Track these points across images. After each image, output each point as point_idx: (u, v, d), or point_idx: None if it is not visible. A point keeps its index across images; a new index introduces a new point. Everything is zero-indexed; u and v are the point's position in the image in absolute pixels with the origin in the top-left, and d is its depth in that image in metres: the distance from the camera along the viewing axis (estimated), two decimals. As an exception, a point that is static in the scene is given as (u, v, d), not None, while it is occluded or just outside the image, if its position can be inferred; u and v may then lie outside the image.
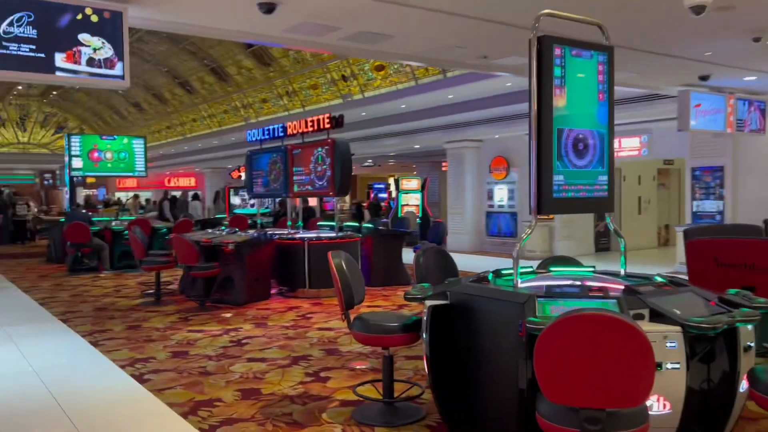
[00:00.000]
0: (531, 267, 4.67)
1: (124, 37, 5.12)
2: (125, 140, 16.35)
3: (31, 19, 4.73)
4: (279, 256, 10.32)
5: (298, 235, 10.55)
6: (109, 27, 5.07)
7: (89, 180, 38.51)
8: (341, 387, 5.30)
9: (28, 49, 4.74)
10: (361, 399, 4.85)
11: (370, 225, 12.15)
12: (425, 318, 4.05)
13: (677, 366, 3.24)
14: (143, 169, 16.58)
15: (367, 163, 30.71)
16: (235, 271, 9.53)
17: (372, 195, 28.99)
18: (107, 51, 5.06)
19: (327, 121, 10.39)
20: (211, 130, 26.07)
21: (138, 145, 16.44)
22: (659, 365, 3.18)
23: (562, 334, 2.71)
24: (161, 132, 31.07)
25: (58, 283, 12.30)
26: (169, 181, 40.71)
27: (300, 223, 12.12)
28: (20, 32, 4.68)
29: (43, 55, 4.80)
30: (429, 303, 4.07)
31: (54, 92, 34.36)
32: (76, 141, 15.71)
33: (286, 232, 11.50)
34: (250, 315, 8.66)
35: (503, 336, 3.65)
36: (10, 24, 4.64)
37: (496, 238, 17.78)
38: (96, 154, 15.82)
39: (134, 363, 6.14)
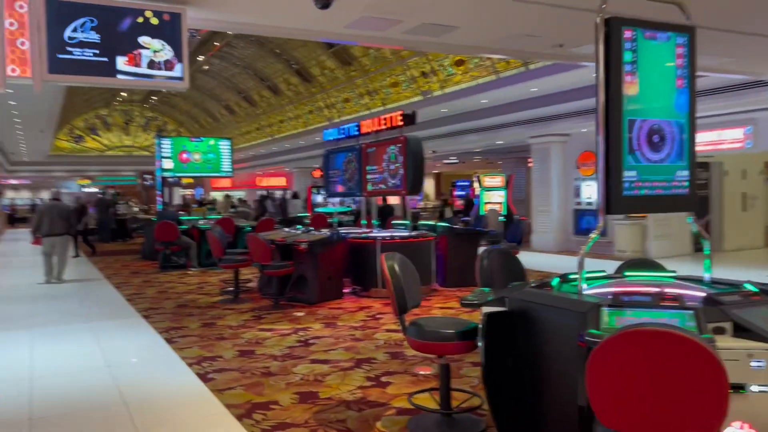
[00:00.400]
0: (604, 271, 4.25)
1: (183, 39, 5.15)
2: (212, 142, 16.91)
3: (94, 24, 4.83)
4: (352, 255, 10.25)
5: (371, 234, 10.44)
6: (169, 29, 5.11)
7: (186, 180, 40.49)
8: (401, 394, 5.09)
9: (91, 54, 4.85)
10: (417, 408, 4.62)
11: (445, 224, 11.85)
12: (481, 326, 3.77)
13: (765, 389, 2.79)
14: (229, 169, 17.10)
15: (451, 160, 30.30)
16: (308, 270, 9.54)
17: (455, 193, 28.54)
18: (167, 53, 5.10)
19: (399, 118, 10.21)
20: (297, 131, 26.59)
21: (224, 146, 16.96)
22: (742, 387, 2.75)
23: (617, 351, 2.37)
24: (251, 133, 32.06)
25: (148, 279, 12.85)
26: (260, 180, 42.10)
27: (377, 221, 12.02)
28: (84, 37, 4.80)
29: (105, 59, 4.90)
30: (485, 310, 3.78)
31: (153, 97, 36.29)
32: (166, 143, 16.41)
33: (360, 230, 11.44)
34: (321, 314, 8.63)
35: (563, 348, 3.31)
36: (74, 29, 4.77)
37: (584, 236, 16.93)
38: (185, 156, 16.46)
39: (202, 361, 6.21)
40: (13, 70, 4.57)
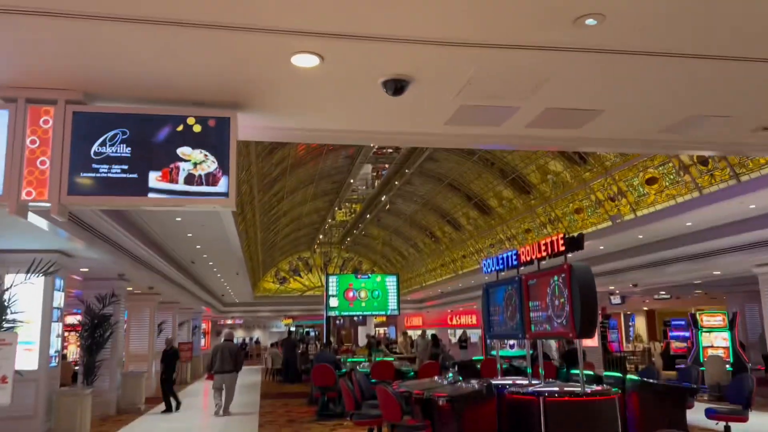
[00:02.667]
0: None
1: (231, 147, 4.25)
2: (378, 278, 16.20)
3: (126, 135, 4.14)
4: (509, 414, 8.16)
5: (531, 389, 8.30)
6: (214, 136, 4.25)
7: (379, 319, 40.63)
8: None
9: (119, 170, 4.11)
10: None
11: (634, 377, 9.20)
12: None
13: None
14: (396, 307, 16.09)
15: (661, 295, 26.26)
16: (448, 433, 7.67)
17: (669, 335, 24.22)
18: (210, 164, 4.21)
19: (561, 242, 8.37)
20: (478, 266, 25.18)
21: (390, 282, 16.12)
22: None
23: None
24: (436, 270, 31.36)
25: (297, 430, 11.77)
26: (451, 319, 40.69)
27: (563, 369, 9.78)
28: (112, 152, 4.11)
29: (135, 176, 4.13)
30: None
31: (348, 239, 37.85)
32: (333, 281, 16.04)
33: (525, 382, 9.31)
34: (456, 497, 6.61)
35: None
36: (103, 143, 4.10)
37: None
38: (351, 293, 15.86)
39: None
40: (29, 193, 3.93)
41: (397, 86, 3.96)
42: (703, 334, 16.65)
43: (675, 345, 23.46)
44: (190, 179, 4.20)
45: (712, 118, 4.80)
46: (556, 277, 8.50)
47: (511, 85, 4.11)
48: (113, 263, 12.75)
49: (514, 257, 9.80)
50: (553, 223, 18.82)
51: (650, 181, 14.35)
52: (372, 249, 39.58)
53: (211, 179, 4.22)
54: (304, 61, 3.67)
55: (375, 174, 23.51)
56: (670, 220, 13.94)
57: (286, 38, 3.41)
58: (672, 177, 13.63)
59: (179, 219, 13.19)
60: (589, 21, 3.25)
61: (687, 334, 23.06)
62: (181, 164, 4.20)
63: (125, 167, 4.14)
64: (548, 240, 8.66)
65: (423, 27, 3.34)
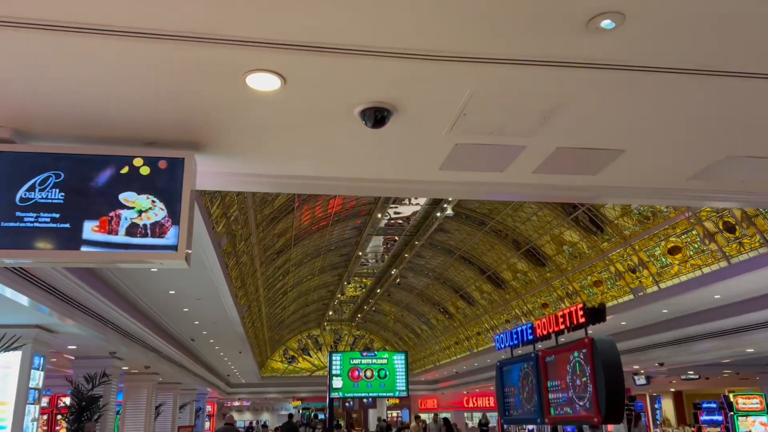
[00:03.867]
0: None
1: (184, 193, 3.60)
2: (385, 357, 15.17)
3: (60, 179, 3.51)
4: None
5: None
6: (165, 180, 3.61)
7: (392, 401, 38.75)
8: None
9: (48, 219, 3.46)
10: None
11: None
12: None
13: None
14: (404, 388, 14.98)
15: (689, 375, 24.66)
16: None
17: (700, 418, 22.48)
18: (158, 212, 3.55)
19: (581, 313, 7.52)
20: (492, 344, 23.95)
21: (399, 361, 15.10)
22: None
23: None
24: (450, 348, 30.02)
25: None
26: (467, 401, 38.75)
27: None
28: (41, 197, 3.47)
29: (67, 226, 3.47)
30: None
31: (359, 315, 36.73)
32: (337, 359, 15.04)
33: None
34: None
35: None
36: (31, 188, 3.47)
37: None
38: (356, 373, 14.83)
39: None
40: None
41: (377, 117, 3.32)
42: (740, 418, 15.26)
43: (708, 430, 21.74)
44: (132, 230, 3.53)
45: (754, 160, 4.10)
46: (576, 353, 7.60)
47: (514, 114, 3.45)
48: (102, 340, 11.96)
49: (530, 331, 8.92)
50: (571, 297, 17.83)
51: (673, 251, 13.49)
52: (384, 326, 38.34)
53: (157, 230, 3.54)
54: (262, 83, 3.05)
55: (385, 246, 22.85)
56: (696, 293, 12.99)
57: (238, 52, 2.81)
58: (696, 246, 12.79)
59: (173, 292, 12.48)
60: (606, 23, 2.62)
61: (720, 418, 21.39)
62: (123, 212, 3.54)
63: (56, 215, 3.48)
64: (567, 311, 7.82)
65: (407, 36, 2.73)
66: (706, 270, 12.78)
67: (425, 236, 20.32)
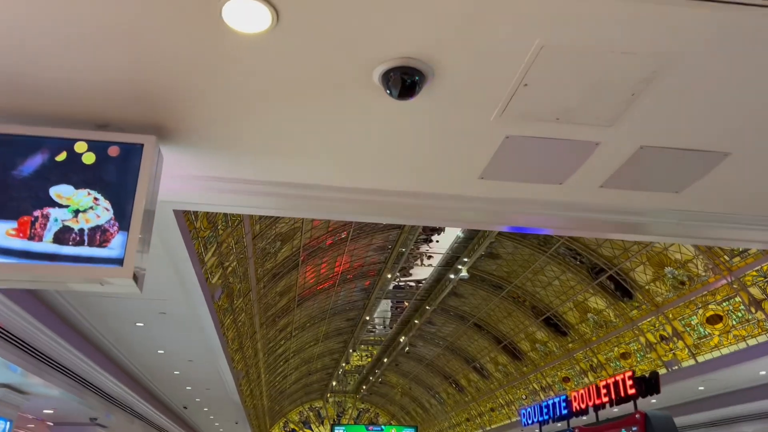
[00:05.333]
0: None
1: (139, 189, 2.65)
2: (393, 431, 13.71)
3: (-29, 165, 2.57)
4: None
5: None
6: (114, 171, 2.68)
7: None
8: None
9: (-54, 218, 2.50)
10: None
11: None
12: None
13: None
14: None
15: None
16: None
17: None
18: (101, 213, 2.60)
19: (630, 383, 6.35)
20: (510, 420, 22.24)
21: (407, 436, 13.62)
22: None
23: None
24: (461, 425, 28.12)
25: None
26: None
27: None
28: (-59, 188, 2.52)
29: (-29, 227, 2.50)
30: None
31: (364, 386, 34.94)
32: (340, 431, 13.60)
33: None
34: None
35: None
36: (-73, 174, 2.53)
37: None
38: (360, 449, 13.34)
39: None
40: None
41: (405, 82, 2.39)
42: None
43: None
44: (63, 235, 2.56)
45: None
46: (624, 430, 6.37)
47: (593, 87, 2.51)
48: (81, 404, 10.77)
49: (564, 404, 7.70)
50: (595, 371, 16.41)
51: (713, 320, 12.27)
52: (390, 399, 36.37)
53: (98, 236, 2.57)
54: (246, 17, 2.15)
55: (393, 310, 21.65)
56: (739, 368, 11.73)
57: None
58: (740, 314, 11.59)
59: (162, 352, 11.35)
60: None
61: None
62: (53, 211, 2.59)
63: (-42, 213, 2.53)
64: (611, 380, 6.66)
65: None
66: (751, 342, 11.53)
67: (437, 300, 19.14)
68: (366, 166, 3.14)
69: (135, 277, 2.58)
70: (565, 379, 18.15)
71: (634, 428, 6.19)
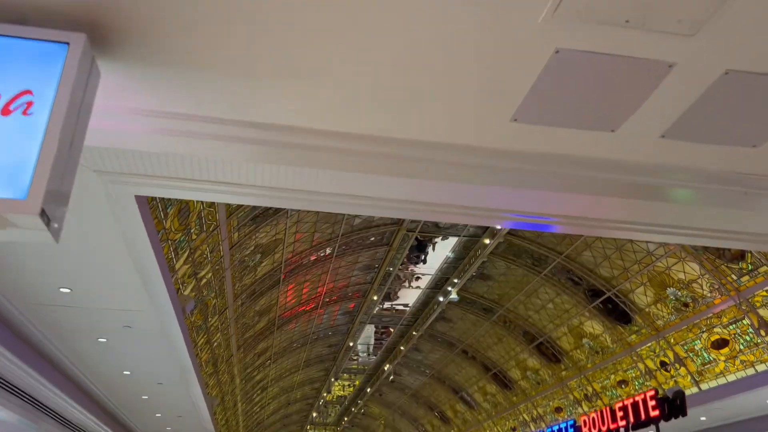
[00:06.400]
0: None
1: (58, 100, 1.91)
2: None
3: None
4: None
5: None
6: (24, 77, 1.93)
7: None
8: None
9: None
10: None
11: None
12: None
13: None
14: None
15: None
16: None
17: None
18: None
19: (652, 404, 5.62)
20: (498, 454, 21.26)
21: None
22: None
23: None
24: (445, 459, 27.00)
25: None
26: None
27: None
28: None
29: None
30: None
31: (345, 418, 33.68)
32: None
33: None
34: None
35: None
36: None
37: None
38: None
39: None
40: None
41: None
42: None
43: None
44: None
45: None
46: (646, 461, 5.61)
47: None
48: (34, 430, 9.77)
49: (572, 430, 6.92)
50: (590, 400, 15.61)
51: (718, 345, 11.60)
52: (372, 432, 35.11)
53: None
54: None
55: (379, 336, 20.78)
56: (745, 396, 11.01)
57: None
58: (748, 338, 10.94)
59: (128, 373, 10.40)
60: None
61: None
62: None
63: None
64: (629, 401, 5.93)
65: None
66: (760, 368, 10.87)
67: (425, 325, 18.30)
68: (369, 103, 2.43)
69: (44, 217, 1.82)
70: (558, 410, 17.30)
71: (658, 456, 5.43)
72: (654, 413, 5.75)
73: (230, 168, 2.88)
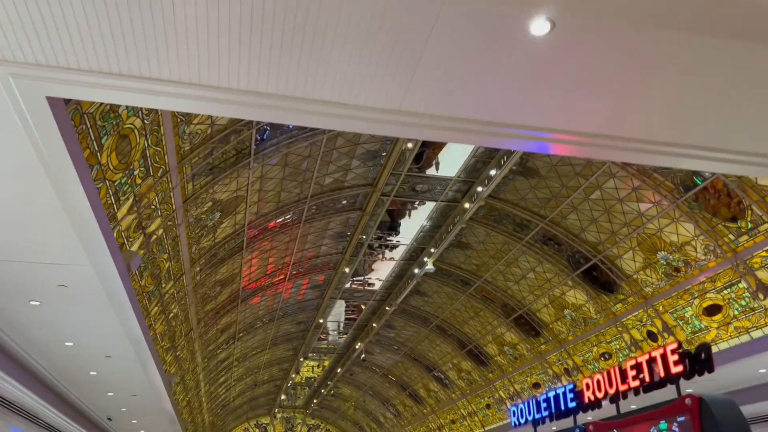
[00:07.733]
0: None
1: None
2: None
3: None
4: None
5: None
6: None
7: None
8: None
9: None
10: None
11: None
12: None
13: None
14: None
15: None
16: None
17: None
18: None
19: (674, 358, 4.81)
20: (475, 432, 20.66)
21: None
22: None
23: None
24: (418, 440, 26.37)
25: None
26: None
27: None
28: None
29: None
30: None
31: (315, 401, 32.83)
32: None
33: None
34: None
35: None
36: None
37: None
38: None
39: None
40: None
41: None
42: None
43: None
44: None
45: None
46: (664, 423, 4.79)
47: None
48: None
49: (572, 395, 6.11)
50: (570, 374, 14.98)
51: (711, 311, 10.97)
52: (342, 414, 34.34)
53: None
54: None
55: (350, 313, 19.90)
56: (738, 365, 10.43)
57: None
58: (744, 303, 10.31)
59: (70, 344, 9.28)
60: None
61: None
62: None
63: None
64: (644, 357, 5.10)
65: None
66: (756, 334, 10.27)
67: (399, 299, 17.43)
68: None
69: None
70: (536, 385, 16.67)
71: (681, 418, 4.61)
72: (677, 369, 4.95)
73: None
